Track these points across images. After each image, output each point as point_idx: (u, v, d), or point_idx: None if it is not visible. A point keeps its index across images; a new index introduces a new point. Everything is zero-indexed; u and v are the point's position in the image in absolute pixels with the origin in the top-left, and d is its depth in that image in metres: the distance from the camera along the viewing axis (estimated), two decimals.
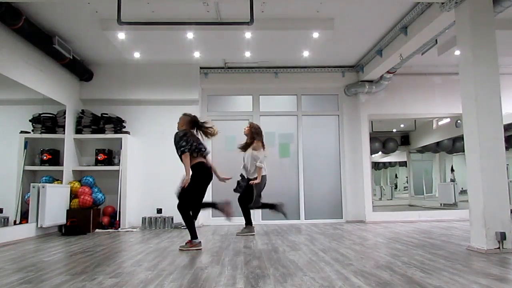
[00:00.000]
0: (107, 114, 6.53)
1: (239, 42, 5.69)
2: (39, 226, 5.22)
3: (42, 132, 5.84)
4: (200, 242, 4.02)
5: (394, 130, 11.35)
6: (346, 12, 5.06)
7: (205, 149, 4.18)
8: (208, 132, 4.31)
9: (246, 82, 7.16)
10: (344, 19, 5.23)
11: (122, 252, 3.93)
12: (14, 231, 4.90)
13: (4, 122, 5.25)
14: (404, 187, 12.31)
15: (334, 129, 7.31)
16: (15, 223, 5.08)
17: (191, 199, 4.05)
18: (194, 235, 4.01)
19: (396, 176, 12.87)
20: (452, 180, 11.40)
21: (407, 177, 12.38)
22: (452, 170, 11.45)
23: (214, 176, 4.35)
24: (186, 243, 4.00)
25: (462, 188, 9.66)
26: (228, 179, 4.60)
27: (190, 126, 4.27)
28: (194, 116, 4.35)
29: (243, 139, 7.45)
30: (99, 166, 6.36)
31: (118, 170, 6.27)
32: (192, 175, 4.04)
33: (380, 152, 11.61)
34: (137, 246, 4.35)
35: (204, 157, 4.18)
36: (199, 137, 4.27)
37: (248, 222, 5.48)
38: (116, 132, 6.45)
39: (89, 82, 6.74)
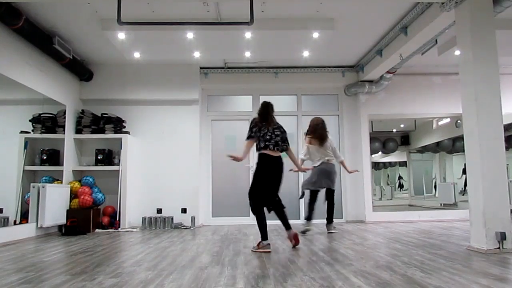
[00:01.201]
0: (107, 114, 6.53)
1: (239, 42, 5.69)
2: (39, 226, 5.22)
3: (42, 132, 5.84)
4: (268, 244, 3.79)
5: (394, 130, 11.36)
6: (346, 12, 5.06)
7: (273, 142, 3.96)
8: None
9: (246, 82, 7.16)
10: (344, 19, 5.23)
11: (122, 252, 3.93)
12: (14, 231, 4.90)
13: (4, 122, 5.25)
14: (404, 188, 12.31)
15: (334, 129, 7.31)
16: (15, 223, 5.08)
17: (256, 191, 3.93)
18: (262, 236, 3.83)
19: (388, 177, 12.90)
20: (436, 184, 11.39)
21: (400, 177, 12.44)
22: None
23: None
24: (257, 244, 3.89)
25: (462, 189, 9.66)
26: (301, 170, 4.65)
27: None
28: (261, 106, 4.17)
29: (243, 139, 7.47)
30: (99, 166, 6.36)
31: (118, 170, 6.27)
32: (256, 165, 4.01)
33: (380, 152, 11.62)
34: (137, 246, 4.35)
35: (277, 150, 3.97)
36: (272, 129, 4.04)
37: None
38: (116, 132, 6.45)
39: (89, 82, 6.74)
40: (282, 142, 4.03)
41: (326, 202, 5.51)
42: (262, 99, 7.27)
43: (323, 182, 5.35)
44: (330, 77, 7.24)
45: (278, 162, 4.00)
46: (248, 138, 4.04)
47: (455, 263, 3.00)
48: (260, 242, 3.84)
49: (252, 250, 3.84)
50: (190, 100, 6.86)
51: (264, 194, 3.94)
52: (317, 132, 5.35)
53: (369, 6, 4.94)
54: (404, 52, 5.66)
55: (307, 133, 5.50)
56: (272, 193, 3.99)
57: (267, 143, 3.95)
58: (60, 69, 6.00)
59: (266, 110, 4.13)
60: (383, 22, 5.40)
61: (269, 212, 4.01)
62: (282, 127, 4.16)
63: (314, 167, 5.41)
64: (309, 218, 5.37)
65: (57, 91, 5.94)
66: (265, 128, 4.01)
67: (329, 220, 5.47)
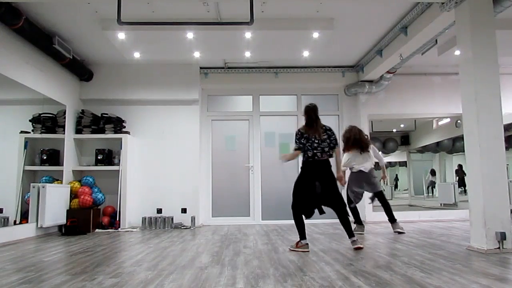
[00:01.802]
0: (107, 114, 6.53)
1: (239, 42, 5.69)
2: (39, 226, 5.22)
3: (42, 132, 5.84)
4: (307, 244, 3.81)
5: (394, 130, 11.36)
6: (346, 12, 5.06)
7: (320, 150, 3.93)
8: None
9: (246, 82, 7.16)
10: (344, 19, 5.23)
11: (122, 252, 3.93)
12: (14, 231, 4.90)
13: (4, 122, 5.25)
14: (404, 188, 12.32)
15: (334, 129, 7.24)
16: (15, 223, 5.08)
17: (295, 195, 3.94)
18: (301, 235, 3.85)
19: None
20: (431, 185, 11.42)
21: (396, 177, 12.46)
22: (433, 173, 11.48)
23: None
24: (295, 243, 3.89)
25: (463, 188, 9.66)
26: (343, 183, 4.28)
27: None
28: (305, 112, 4.15)
29: (243, 139, 7.50)
30: (99, 166, 6.36)
31: (118, 170, 6.27)
32: (300, 169, 4.04)
33: (380, 152, 11.62)
34: (137, 246, 4.35)
35: (323, 156, 3.93)
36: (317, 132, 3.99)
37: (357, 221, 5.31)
38: (116, 132, 6.45)
39: (89, 82, 6.74)
40: (329, 148, 3.97)
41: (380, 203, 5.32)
42: (262, 99, 7.39)
43: (363, 188, 5.22)
44: (330, 77, 7.24)
45: (322, 164, 3.94)
46: (296, 149, 4.05)
47: (455, 263, 3.00)
48: (298, 242, 3.85)
49: (290, 249, 3.86)
50: (190, 100, 6.86)
51: (302, 198, 3.91)
52: (353, 142, 5.16)
53: (369, 6, 4.94)
54: (404, 52, 5.65)
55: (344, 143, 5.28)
56: (326, 197, 3.91)
57: (315, 151, 3.94)
58: (60, 69, 6.00)
59: (310, 115, 4.09)
60: (383, 22, 5.39)
61: (320, 213, 4.00)
62: (329, 130, 4.07)
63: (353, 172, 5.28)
64: (359, 221, 5.30)
65: (57, 91, 5.94)
66: (312, 135, 3.98)
67: (392, 219, 5.22)
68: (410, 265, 2.94)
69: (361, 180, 5.19)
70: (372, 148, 5.38)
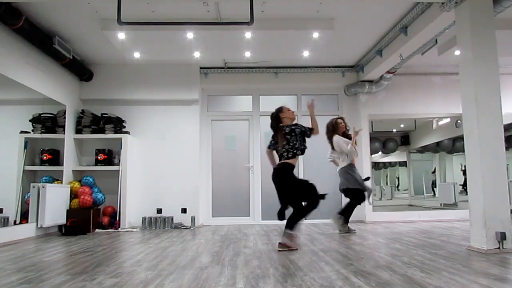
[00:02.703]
0: (107, 114, 6.53)
1: (239, 42, 5.69)
2: (39, 226, 5.22)
3: (42, 132, 5.84)
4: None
5: (394, 130, 11.36)
6: (346, 12, 5.06)
7: (284, 150, 4.14)
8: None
9: (246, 82, 7.16)
10: (344, 19, 5.24)
11: (122, 252, 3.93)
12: (14, 231, 4.90)
13: (4, 122, 5.25)
14: (404, 188, 12.32)
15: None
16: (15, 223, 5.08)
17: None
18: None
19: (387, 177, 12.90)
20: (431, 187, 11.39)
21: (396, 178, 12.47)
22: (433, 172, 11.46)
23: None
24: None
25: (462, 188, 9.65)
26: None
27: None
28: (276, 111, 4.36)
29: (243, 139, 7.50)
30: (99, 166, 6.36)
31: (118, 170, 6.27)
32: None
33: (380, 152, 11.62)
34: (137, 246, 4.35)
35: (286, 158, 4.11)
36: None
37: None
38: (116, 132, 6.45)
39: (89, 82, 6.74)
40: (293, 149, 4.10)
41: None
42: (262, 99, 7.38)
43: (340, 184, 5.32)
44: (330, 77, 7.24)
45: (276, 172, 4.18)
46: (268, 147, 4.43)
47: (455, 263, 3.00)
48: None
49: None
50: (190, 100, 6.86)
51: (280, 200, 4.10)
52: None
53: (369, 6, 4.94)
54: (404, 52, 5.66)
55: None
56: (285, 201, 4.09)
57: (279, 154, 4.22)
58: (60, 69, 6.00)
59: (271, 120, 4.37)
60: (383, 22, 5.40)
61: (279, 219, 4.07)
62: (292, 127, 4.18)
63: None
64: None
65: (57, 91, 5.94)
66: (278, 140, 4.17)
67: (345, 217, 5.24)
68: (410, 265, 2.94)
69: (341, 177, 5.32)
70: (335, 141, 5.31)
